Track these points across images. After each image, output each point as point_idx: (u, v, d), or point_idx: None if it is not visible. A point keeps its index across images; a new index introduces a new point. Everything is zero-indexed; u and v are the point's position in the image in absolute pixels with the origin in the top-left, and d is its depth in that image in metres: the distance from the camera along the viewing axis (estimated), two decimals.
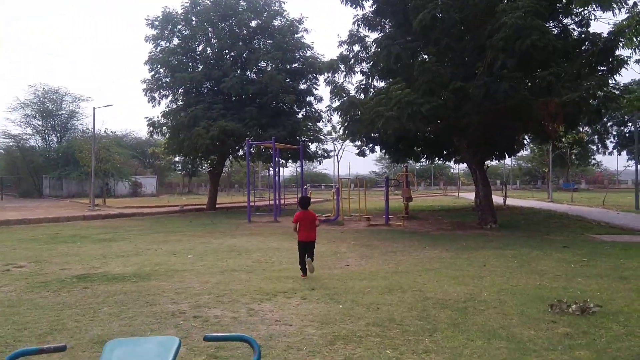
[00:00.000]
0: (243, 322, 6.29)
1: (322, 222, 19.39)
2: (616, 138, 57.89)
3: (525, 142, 26.97)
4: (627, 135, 58.09)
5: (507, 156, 25.45)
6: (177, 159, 60.92)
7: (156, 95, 28.28)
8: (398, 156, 29.29)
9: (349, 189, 22.89)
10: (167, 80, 27.91)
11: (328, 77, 20.07)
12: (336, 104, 18.28)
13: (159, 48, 28.27)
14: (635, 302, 7.02)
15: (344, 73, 20.32)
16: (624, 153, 60.89)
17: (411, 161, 31.51)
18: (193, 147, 25.19)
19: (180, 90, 28.78)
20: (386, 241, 14.54)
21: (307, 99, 29.61)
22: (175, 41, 28.64)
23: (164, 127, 27.53)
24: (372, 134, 27.17)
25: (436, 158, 29.62)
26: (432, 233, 16.47)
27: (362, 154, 28.46)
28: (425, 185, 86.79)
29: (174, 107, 28.20)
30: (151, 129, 27.27)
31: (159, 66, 28.18)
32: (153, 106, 28.64)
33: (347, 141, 56.67)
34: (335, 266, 10.43)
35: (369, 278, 8.99)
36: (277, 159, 24.16)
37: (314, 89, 29.51)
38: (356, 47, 20.58)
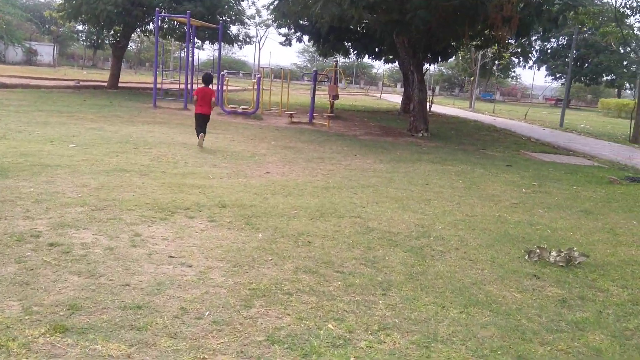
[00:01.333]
0: (121, 257, 4.41)
1: (238, 114, 17.32)
2: (537, 53, 58.29)
3: (461, 46, 25.49)
4: (548, 51, 58.68)
5: (439, 60, 23.92)
6: (80, 27, 54.54)
7: None
8: (327, 49, 27.08)
9: (270, 80, 20.64)
10: None
11: None
12: None
13: None
14: (617, 249, 5.83)
15: None
16: (543, 68, 61.83)
17: (339, 56, 29.33)
18: (92, 12, 21.46)
19: None
20: (311, 144, 12.82)
21: None
22: None
23: None
24: (302, 21, 24.70)
25: (366, 55, 27.65)
26: (360, 138, 14.92)
27: (288, 42, 25.91)
28: (345, 83, 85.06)
29: None
30: None
31: None
32: None
33: (271, 28, 52.91)
34: (253, 174, 8.61)
35: (295, 193, 7.28)
36: (192, 38, 21.17)
37: None
38: None
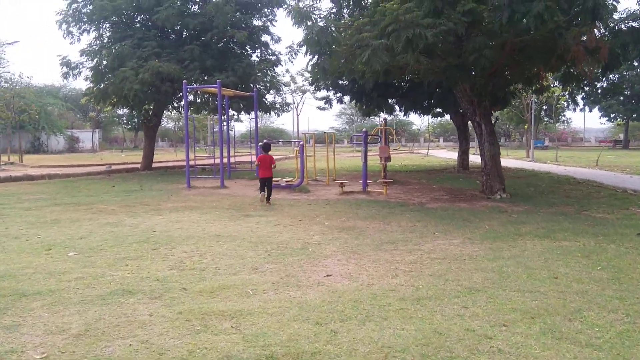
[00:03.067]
0: None
1: (282, 188, 15.14)
2: (587, 94, 54.97)
3: (523, 89, 22.91)
4: (598, 91, 55.37)
5: (502, 107, 21.41)
6: (121, 111, 54.87)
7: (74, 29, 22.74)
8: (370, 108, 25.06)
9: (313, 146, 18.55)
10: (88, 10, 22.39)
11: (289, 6, 15.12)
12: (300, 35, 13.70)
13: None
14: None
15: None
16: (595, 110, 58.34)
17: (383, 114, 27.25)
18: (119, 93, 20.12)
19: (106, 24, 23.31)
20: (373, 220, 10.35)
21: (263, 38, 24.64)
22: None
23: (83, 68, 22.16)
24: (342, 81, 22.84)
25: (412, 111, 25.44)
26: (429, 206, 12.38)
27: (328, 104, 24.01)
28: (398, 143, 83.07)
29: (97, 44, 22.78)
30: (65, 69, 21.82)
31: None
32: (71, 43, 23.17)
33: (307, 94, 51.88)
34: (308, 280, 6.17)
35: (375, 316, 4.83)
36: (224, 108, 19.47)
37: (271, 26, 24.52)
38: None
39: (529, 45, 12.23)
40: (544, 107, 51.14)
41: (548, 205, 12.18)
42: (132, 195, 14.93)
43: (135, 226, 9.81)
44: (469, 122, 26.36)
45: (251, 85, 22.60)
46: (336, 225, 9.82)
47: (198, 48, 21.18)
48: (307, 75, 49.74)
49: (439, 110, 26.63)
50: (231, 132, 24.43)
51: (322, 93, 25.83)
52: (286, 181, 16.16)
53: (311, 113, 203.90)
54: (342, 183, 15.05)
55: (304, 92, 50.41)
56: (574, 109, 57.01)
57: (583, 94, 53.75)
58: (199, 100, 24.88)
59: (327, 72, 11.60)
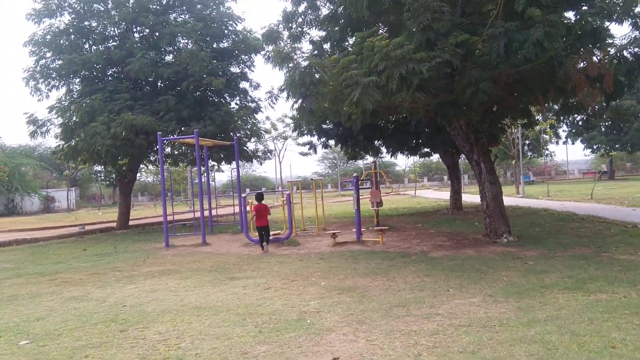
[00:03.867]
0: None
1: (270, 242, 13.93)
2: (569, 127, 55.13)
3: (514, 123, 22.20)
4: (579, 123, 55.54)
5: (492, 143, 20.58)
6: (98, 167, 53.39)
7: (42, 86, 21.68)
8: (356, 151, 24.20)
9: (300, 194, 17.42)
10: (56, 65, 21.41)
11: (267, 52, 14.15)
12: (280, 79, 12.77)
13: (43, 26, 21.66)
14: None
15: (290, 40, 14.86)
16: (577, 142, 58.39)
17: (370, 157, 26.38)
18: (90, 149, 18.95)
19: (76, 79, 22.33)
20: (376, 277, 9.17)
21: (241, 85, 23.81)
22: (66, 18, 22.10)
23: (51, 125, 20.97)
24: (325, 125, 21.99)
25: (400, 152, 24.58)
26: (432, 255, 11.24)
27: (313, 149, 23.05)
28: (390, 185, 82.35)
29: (67, 100, 21.69)
30: (32, 127, 20.59)
31: (44, 49, 21.60)
32: (39, 100, 22.00)
33: (289, 140, 51.13)
34: None
35: None
36: (203, 159, 18.38)
37: (249, 72, 23.74)
38: (302, 6, 15.10)
39: (526, 76, 11.43)
40: (527, 142, 51.06)
41: (562, 248, 11.12)
42: (103, 259, 13.57)
43: (103, 300, 8.50)
44: (459, 160, 25.66)
45: (231, 134, 21.59)
46: (334, 286, 8.61)
47: (173, 98, 20.22)
48: (288, 121, 49.14)
49: (426, 150, 25.86)
50: (212, 183, 23.27)
51: (305, 138, 24.98)
52: (273, 234, 14.94)
53: (293, 159, 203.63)
54: (334, 234, 13.89)
55: (285, 138, 49.66)
56: (557, 142, 57.11)
57: (565, 126, 53.95)
58: (176, 152, 23.75)
59: (313, 113, 10.61)
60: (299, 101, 10.79)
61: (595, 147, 57.11)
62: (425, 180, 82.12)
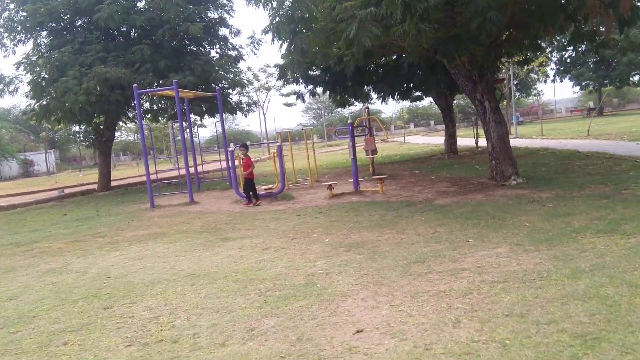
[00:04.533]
0: None
1: (262, 197, 13.09)
2: (557, 65, 54.19)
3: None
4: (567, 60, 54.63)
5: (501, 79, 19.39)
6: (76, 128, 51.55)
7: (7, 40, 20.12)
8: (345, 98, 23.11)
9: (290, 145, 16.48)
10: (21, 18, 19.79)
11: None
12: (263, 22, 11.56)
13: None
14: None
15: None
16: (566, 80, 57.50)
17: (358, 103, 25.32)
18: (62, 108, 17.68)
19: (43, 32, 20.75)
20: (383, 230, 8.37)
21: (221, 32, 22.34)
22: None
23: (20, 83, 19.57)
24: (312, 72, 20.82)
25: (391, 96, 23.50)
26: (438, 203, 10.45)
27: (300, 98, 21.92)
28: (385, 133, 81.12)
29: (35, 55, 20.16)
30: None
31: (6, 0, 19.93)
32: (5, 56, 20.57)
33: (273, 91, 49.55)
34: (331, 339, 4.22)
35: None
36: (185, 113, 17.25)
37: (228, 17, 22.20)
38: None
39: (535, 3, 10.38)
40: (515, 82, 50.09)
41: (577, 188, 10.37)
42: (85, 224, 12.64)
43: (85, 271, 7.62)
44: (453, 103, 24.69)
45: (212, 85, 20.36)
46: (339, 242, 7.81)
47: (148, 48, 18.83)
48: (271, 70, 47.47)
49: (417, 94, 24.85)
50: (195, 139, 22.14)
51: (290, 88, 23.89)
52: (265, 189, 14.06)
53: (277, 111, 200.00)
54: (330, 185, 13.03)
55: (268, 89, 48.06)
56: (545, 81, 56.25)
57: (553, 64, 52.93)
58: (155, 107, 22.47)
59: (305, 53, 9.52)
60: (287, 41, 9.65)
61: (584, 83, 56.37)
62: (412, 126, 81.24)
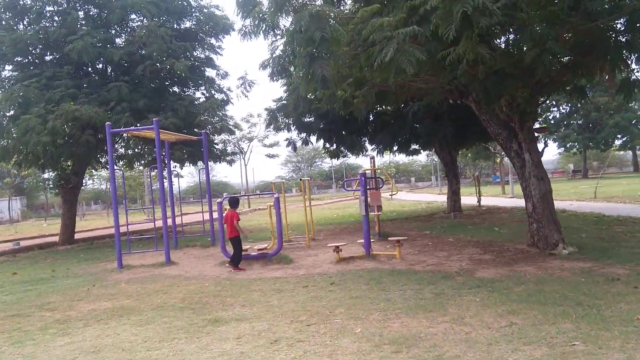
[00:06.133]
0: None
1: (252, 259, 10.89)
2: (540, 124, 53.63)
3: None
4: (551, 120, 54.26)
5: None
6: (46, 175, 48.64)
7: None
8: (338, 149, 21.27)
9: (283, 197, 14.38)
10: None
11: (243, 27, 10.68)
12: (258, 58, 9.62)
13: None
14: None
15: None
16: (549, 141, 57.15)
17: (352, 155, 23.41)
18: (23, 149, 15.38)
19: (7, 65, 18.63)
20: (433, 317, 6.20)
21: (207, 73, 20.50)
22: None
23: None
24: (307, 118, 19.02)
25: (389, 148, 21.69)
26: (481, 275, 8.36)
27: (292, 146, 19.99)
28: (337, 188, 79.44)
29: None
30: None
31: None
32: None
33: (255, 141, 47.79)
34: None
35: None
36: (164, 159, 15.10)
37: (216, 58, 20.40)
38: None
39: (599, 35, 8.69)
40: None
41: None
42: (35, 289, 10.16)
43: None
44: (456, 157, 23.00)
45: (195, 129, 18.33)
46: (378, 335, 5.61)
47: (127, 86, 16.79)
48: (254, 120, 45.90)
49: (414, 147, 23.13)
50: (174, 187, 19.90)
51: (273, 139, 21.98)
52: (258, 249, 11.81)
53: (256, 163, 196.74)
54: (337, 247, 10.85)
55: (250, 139, 46.26)
56: None
57: (537, 124, 52.41)
58: (130, 152, 20.24)
59: (326, 82, 7.56)
60: (305, 66, 7.68)
61: (568, 145, 55.96)
62: (393, 182, 79.87)
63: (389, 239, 11.65)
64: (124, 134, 18.02)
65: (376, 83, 11.42)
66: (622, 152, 68.03)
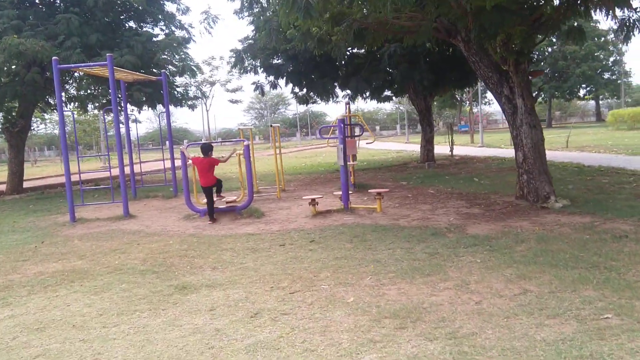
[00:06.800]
0: None
1: (223, 213, 9.99)
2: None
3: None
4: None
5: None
6: None
7: None
8: (308, 94, 20.22)
9: (251, 145, 13.34)
10: None
11: None
12: None
13: None
14: None
15: None
16: None
17: (321, 102, 22.26)
18: None
19: None
20: (433, 282, 5.47)
21: (166, 7, 18.75)
22: None
23: None
24: (274, 60, 17.78)
25: (362, 95, 20.66)
26: (473, 232, 7.69)
27: (259, 90, 18.72)
28: (301, 135, 78.29)
29: None
30: None
31: None
32: None
33: (217, 86, 45.87)
34: None
35: None
36: (120, 101, 13.77)
37: None
38: None
39: None
40: (467, 90, 48.81)
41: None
42: None
43: None
44: (431, 104, 22.17)
45: (154, 70, 16.88)
46: (375, 306, 4.85)
47: (77, 18, 15.12)
48: (216, 63, 43.87)
49: (387, 93, 22.25)
50: (132, 133, 18.56)
51: (236, 83, 20.63)
52: (228, 203, 10.86)
53: (217, 109, 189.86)
54: (313, 200, 10.01)
55: (212, 84, 44.29)
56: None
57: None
58: (83, 93, 18.61)
59: (311, 8, 6.44)
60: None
61: (535, 94, 55.95)
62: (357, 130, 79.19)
63: (370, 191, 10.87)
64: (75, 72, 16.46)
65: (356, 19, 10.41)
66: (583, 102, 68.82)
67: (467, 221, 8.47)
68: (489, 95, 58.26)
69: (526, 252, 6.30)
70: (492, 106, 73.57)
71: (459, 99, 38.52)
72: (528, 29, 8.94)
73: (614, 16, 8.90)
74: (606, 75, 56.25)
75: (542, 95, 54.21)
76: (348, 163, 13.09)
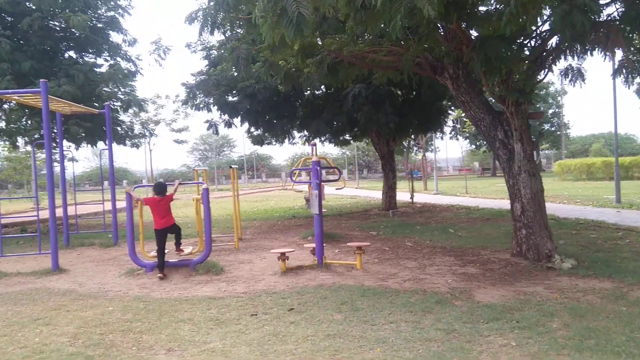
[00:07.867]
0: None
1: (172, 268, 8.37)
2: (454, 122, 54.09)
3: None
4: (464, 118, 54.80)
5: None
6: None
7: None
8: (264, 135, 19.03)
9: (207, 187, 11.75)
10: None
11: None
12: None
13: None
14: None
15: None
16: (461, 137, 57.96)
17: (276, 143, 20.95)
18: None
19: None
20: None
21: (111, 38, 17.15)
22: None
23: None
24: (228, 97, 16.52)
25: (320, 137, 19.63)
26: (483, 299, 6.47)
27: (213, 129, 17.25)
28: (247, 178, 76.39)
29: None
30: None
31: None
32: None
33: (162, 125, 43.92)
34: None
35: None
36: (55, 137, 12.00)
37: (122, 17, 17.00)
38: None
39: None
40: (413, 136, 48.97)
41: None
42: None
43: None
44: (394, 148, 21.25)
45: (95, 104, 15.18)
46: None
47: (8, 42, 13.36)
48: (162, 102, 42.09)
49: (346, 137, 21.31)
50: (67, 172, 16.60)
51: (182, 123, 19.19)
52: (182, 256, 9.22)
53: (160, 150, 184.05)
54: (282, 255, 8.55)
55: (157, 123, 42.27)
56: (442, 137, 55.91)
57: (451, 122, 52.82)
58: (13, 126, 16.50)
59: (303, 22, 5.22)
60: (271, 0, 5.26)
61: (478, 143, 57.00)
62: (303, 175, 78.33)
63: (349, 244, 9.49)
64: (5, 102, 14.56)
65: (331, 50, 9.34)
66: None
67: (468, 284, 7.25)
68: (437, 141, 58.87)
69: (566, 332, 5.09)
70: (437, 153, 74.56)
71: (412, 144, 38.23)
72: (531, 64, 8.06)
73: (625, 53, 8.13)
74: (546, 127, 58.19)
75: (486, 144, 55.21)
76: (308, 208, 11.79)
